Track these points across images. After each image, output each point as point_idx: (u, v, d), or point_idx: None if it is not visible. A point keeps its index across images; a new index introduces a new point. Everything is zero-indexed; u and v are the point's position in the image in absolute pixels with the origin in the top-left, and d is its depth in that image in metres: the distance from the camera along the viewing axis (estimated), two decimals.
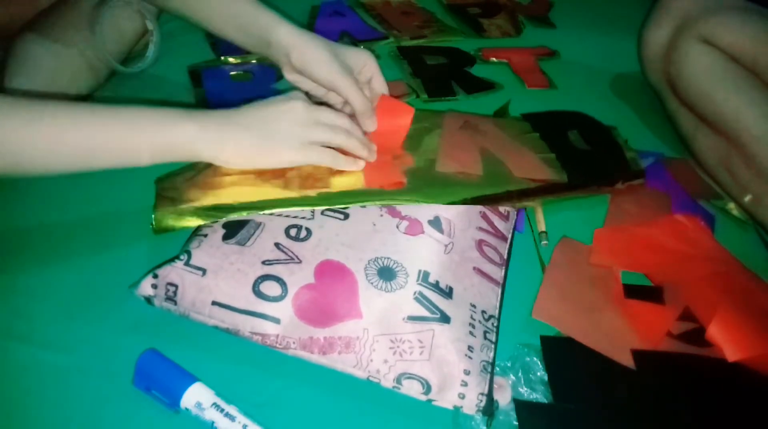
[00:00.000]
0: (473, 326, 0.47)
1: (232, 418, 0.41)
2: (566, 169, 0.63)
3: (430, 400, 0.44)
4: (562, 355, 0.49)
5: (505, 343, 0.48)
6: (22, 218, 0.58)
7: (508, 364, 0.47)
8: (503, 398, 0.44)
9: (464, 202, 0.55)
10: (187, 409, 0.42)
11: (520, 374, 0.46)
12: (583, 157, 0.67)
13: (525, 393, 0.46)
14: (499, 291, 0.51)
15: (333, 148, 0.56)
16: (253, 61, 0.86)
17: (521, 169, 0.61)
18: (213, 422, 0.41)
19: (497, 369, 0.46)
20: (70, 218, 0.58)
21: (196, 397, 0.42)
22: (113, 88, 0.77)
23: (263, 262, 0.47)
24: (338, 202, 0.53)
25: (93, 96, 0.74)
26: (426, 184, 0.56)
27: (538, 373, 0.47)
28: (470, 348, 0.45)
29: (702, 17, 0.72)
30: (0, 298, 0.50)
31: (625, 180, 0.65)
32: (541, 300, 0.52)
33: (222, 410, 0.41)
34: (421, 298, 0.46)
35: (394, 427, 0.44)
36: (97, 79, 0.74)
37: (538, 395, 0.45)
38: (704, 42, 0.71)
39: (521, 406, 0.44)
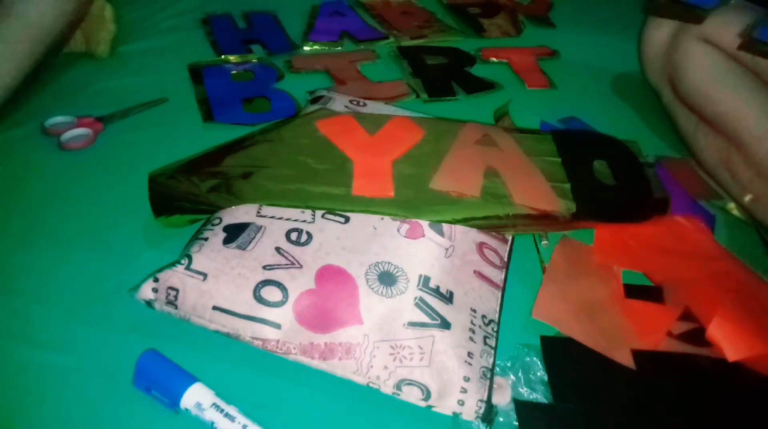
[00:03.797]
0: (473, 331, 0.46)
1: (232, 419, 0.41)
2: (576, 203, 0.58)
3: (429, 407, 0.44)
4: (562, 355, 0.49)
5: (505, 343, 0.48)
6: (23, 219, 0.57)
7: (508, 364, 0.47)
8: (503, 398, 0.44)
9: (451, 222, 0.53)
10: (187, 409, 0.42)
11: (520, 374, 0.46)
12: (601, 194, 0.61)
13: (525, 393, 0.45)
14: (500, 294, 0.51)
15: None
16: (254, 60, 0.86)
17: (523, 196, 0.57)
18: (213, 423, 0.41)
19: (497, 369, 0.46)
20: (71, 219, 0.58)
21: (196, 397, 0.42)
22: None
23: (264, 267, 0.47)
24: (320, 206, 0.52)
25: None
26: (415, 199, 0.54)
27: (538, 373, 0.47)
28: (470, 354, 0.45)
29: None
30: (0, 298, 0.50)
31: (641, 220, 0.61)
32: (541, 300, 0.52)
33: (222, 410, 0.41)
34: (421, 304, 0.46)
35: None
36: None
37: (538, 395, 0.45)
38: (704, 41, 0.72)
39: (521, 406, 0.44)
